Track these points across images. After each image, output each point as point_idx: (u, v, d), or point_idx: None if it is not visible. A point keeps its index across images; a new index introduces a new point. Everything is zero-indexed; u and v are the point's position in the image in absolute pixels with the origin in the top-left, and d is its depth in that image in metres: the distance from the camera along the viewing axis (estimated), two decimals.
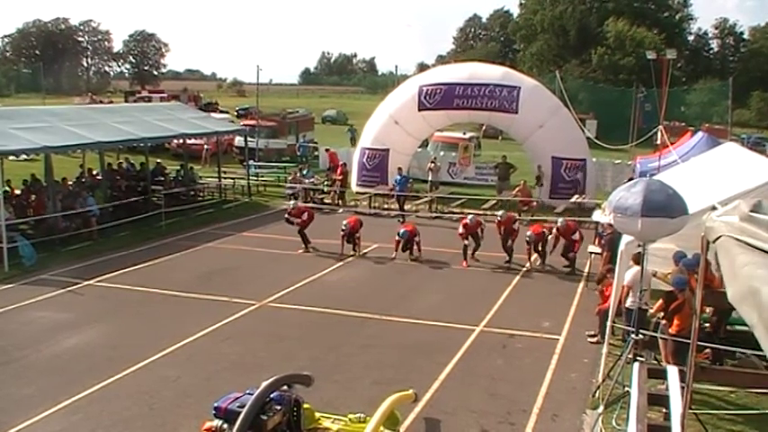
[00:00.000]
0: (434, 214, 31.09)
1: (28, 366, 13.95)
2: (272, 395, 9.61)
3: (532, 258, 21.80)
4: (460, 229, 22.07)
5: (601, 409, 11.23)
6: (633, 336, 11.51)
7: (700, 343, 9.87)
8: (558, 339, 15.52)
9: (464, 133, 41.74)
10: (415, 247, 22.39)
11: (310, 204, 32.16)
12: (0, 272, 20.43)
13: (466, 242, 22.09)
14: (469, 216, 22.73)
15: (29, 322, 16.48)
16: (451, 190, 35.29)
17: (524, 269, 21.33)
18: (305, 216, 24.10)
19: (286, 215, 24.50)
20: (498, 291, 18.81)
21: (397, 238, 22.39)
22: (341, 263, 21.92)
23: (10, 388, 12.91)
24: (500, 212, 22.93)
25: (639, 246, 12.15)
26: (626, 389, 10.94)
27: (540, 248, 21.78)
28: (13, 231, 21.97)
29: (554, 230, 21.71)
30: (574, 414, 11.97)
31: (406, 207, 30.76)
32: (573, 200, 29.27)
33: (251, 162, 37.79)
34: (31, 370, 13.77)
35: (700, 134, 33.06)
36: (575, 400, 12.47)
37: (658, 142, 31.13)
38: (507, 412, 12.07)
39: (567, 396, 12.70)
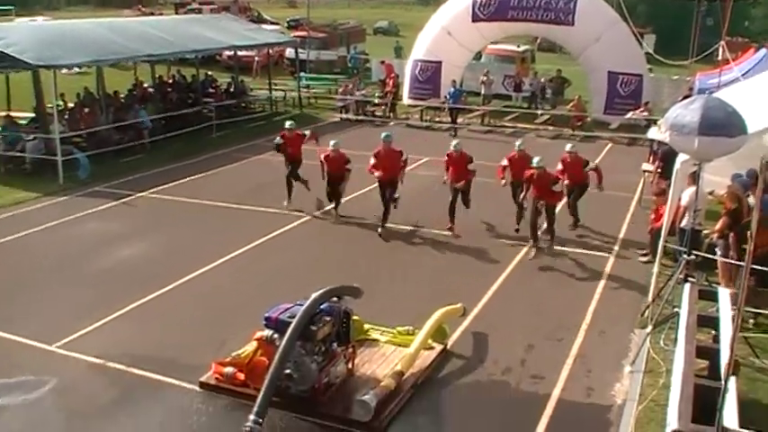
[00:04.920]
0: (487, 128, 30.77)
1: (83, 276, 14.28)
2: (321, 306, 9.74)
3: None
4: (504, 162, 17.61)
5: (649, 328, 11.17)
6: (685, 256, 11.36)
7: (754, 266, 9.68)
8: (608, 257, 15.40)
9: (518, 46, 40.95)
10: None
11: (361, 117, 32.12)
12: (55, 184, 20.78)
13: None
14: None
15: (83, 233, 16.81)
16: (505, 103, 34.80)
17: None
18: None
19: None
20: None
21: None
22: None
23: (66, 297, 13.26)
24: (518, 142, 17.59)
25: (695, 165, 11.90)
26: (675, 309, 10.83)
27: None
28: (67, 144, 22.24)
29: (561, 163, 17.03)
30: (622, 332, 11.94)
31: (459, 120, 30.45)
32: (628, 116, 28.72)
33: (302, 74, 37.58)
34: (86, 280, 14.09)
35: (763, 51, 31.88)
36: (623, 319, 12.42)
37: (719, 58, 30.17)
38: (554, 328, 12.08)
39: (615, 314, 12.65)
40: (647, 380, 10.33)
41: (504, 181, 16.94)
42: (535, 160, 15.26)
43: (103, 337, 11.68)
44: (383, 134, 17.12)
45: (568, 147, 17.08)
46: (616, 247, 15.99)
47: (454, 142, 17.44)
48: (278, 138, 19.02)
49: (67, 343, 11.42)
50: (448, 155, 17.16)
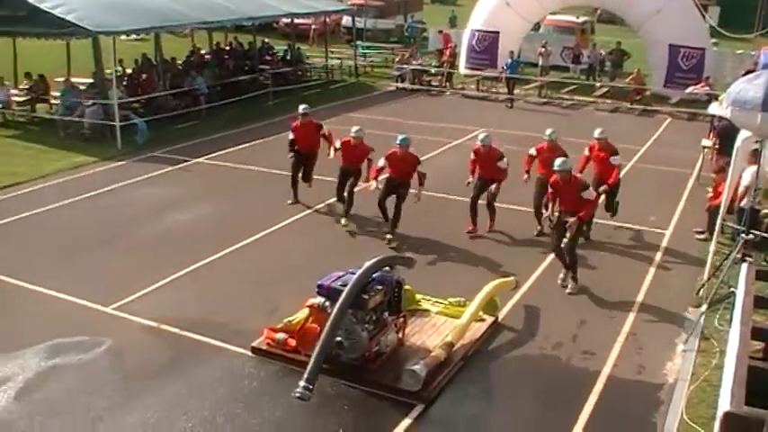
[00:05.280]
0: (544, 99, 30.45)
1: (139, 240, 14.51)
2: (374, 275, 9.76)
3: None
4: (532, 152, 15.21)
5: (704, 307, 10.99)
6: (743, 235, 11.15)
7: None
8: (664, 234, 15.18)
9: (577, 17, 40.34)
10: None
11: (417, 86, 31.96)
12: (113, 149, 21.07)
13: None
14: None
15: (140, 198, 17.06)
16: (563, 75, 34.37)
17: (633, 160, 20.74)
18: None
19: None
20: None
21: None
22: (446, 146, 21.75)
23: (122, 260, 13.48)
24: (549, 131, 14.91)
25: (757, 142, 11.64)
26: (731, 289, 10.67)
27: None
28: (125, 110, 22.49)
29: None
30: (675, 311, 11.78)
31: (515, 92, 30.16)
32: (688, 90, 28.18)
33: (358, 42, 37.48)
34: (142, 244, 14.32)
35: None
36: (677, 297, 12.25)
37: None
38: (607, 304, 11.98)
39: (669, 292, 12.48)
40: (699, 360, 10.20)
41: (526, 176, 14.89)
42: (558, 162, 12.23)
43: (157, 301, 11.87)
44: (400, 137, 14.43)
45: (597, 132, 14.68)
46: (673, 224, 15.74)
47: (482, 135, 15.01)
48: (290, 134, 16.38)
49: (122, 305, 11.63)
50: (475, 150, 14.90)
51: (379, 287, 9.75)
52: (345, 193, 15.11)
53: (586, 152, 14.93)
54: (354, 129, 15.07)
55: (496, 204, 15.00)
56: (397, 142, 14.22)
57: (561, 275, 12.52)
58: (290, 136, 16.23)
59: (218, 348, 10.36)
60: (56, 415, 8.92)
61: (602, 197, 14.41)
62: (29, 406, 9.11)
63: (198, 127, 23.94)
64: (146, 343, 10.68)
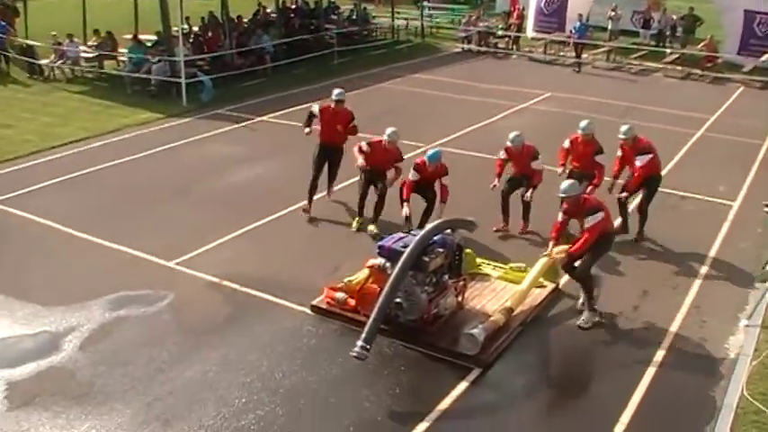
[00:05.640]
0: (612, 65, 29.87)
1: (202, 196, 14.65)
2: (435, 238, 9.72)
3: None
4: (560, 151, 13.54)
5: None
6: None
7: None
8: (731, 206, 14.82)
9: None
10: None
11: (483, 48, 31.62)
12: (178, 106, 21.28)
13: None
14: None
15: (204, 155, 17.21)
16: (632, 40, 33.64)
17: (702, 129, 20.27)
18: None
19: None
20: (673, 149, 18.00)
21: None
22: (510, 110, 21.52)
23: (185, 216, 13.65)
24: (584, 124, 13.02)
25: None
26: None
27: None
28: (190, 67, 22.65)
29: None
30: (740, 284, 11.52)
31: (583, 56, 29.64)
32: (763, 59, 27.38)
33: (425, 3, 37.15)
34: (205, 200, 14.46)
35: None
36: (742, 271, 11.96)
37: None
38: (671, 275, 11.77)
39: (734, 265, 12.19)
40: (763, 335, 9.96)
41: (561, 170, 13.12)
42: (564, 187, 10.37)
43: (219, 257, 12.00)
44: (431, 153, 12.63)
45: (623, 129, 12.75)
46: (741, 196, 15.36)
47: (513, 134, 12.96)
48: (314, 107, 14.16)
49: (185, 260, 11.78)
50: (506, 149, 13.07)
51: (440, 250, 9.71)
52: (377, 197, 13.07)
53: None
54: (389, 130, 12.99)
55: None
56: (428, 160, 12.37)
57: (580, 300, 10.55)
58: (314, 109, 13.93)
59: (278, 305, 10.45)
60: (118, 365, 9.09)
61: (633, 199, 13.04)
62: (92, 356, 9.30)
63: (263, 85, 24.03)
64: (207, 298, 10.82)
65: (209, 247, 12.28)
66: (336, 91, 13.91)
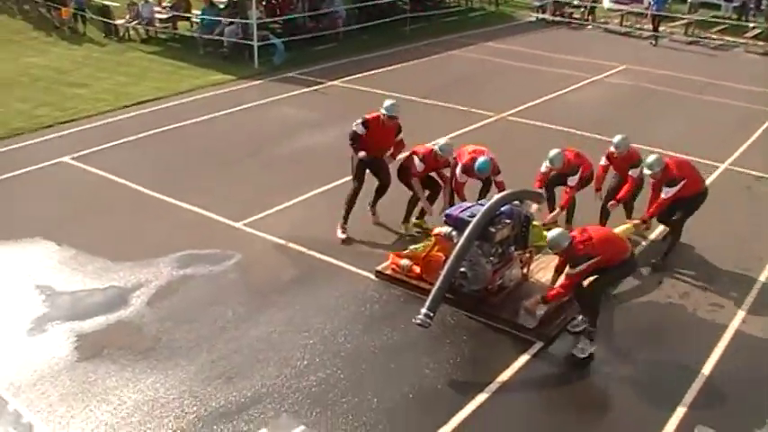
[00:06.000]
0: (690, 39, 29.11)
1: (271, 159, 14.76)
2: (502, 208, 9.63)
3: None
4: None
5: None
6: None
7: None
8: None
9: None
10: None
11: (558, 18, 31.12)
12: (250, 68, 21.40)
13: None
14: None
15: (275, 117, 17.32)
16: (712, 13, 32.73)
17: None
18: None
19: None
20: (750, 127, 17.51)
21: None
22: (584, 82, 21.15)
23: (254, 178, 13.77)
24: (618, 139, 11.27)
25: None
26: None
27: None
28: (263, 30, 22.73)
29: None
30: None
31: (660, 29, 28.94)
32: None
33: None
34: (274, 162, 14.57)
35: None
36: None
37: None
38: (742, 257, 11.45)
39: None
40: None
41: (597, 193, 11.70)
42: (551, 241, 8.83)
43: (287, 219, 12.09)
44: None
45: (617, 140, 11.27)
46: None
47: (618, 138, 11.26)
48: (359, 125, 11.50)
49: (253, 221, 11.90)
50: (608, 155, 11.56)
51: (507, 221, 9.61)
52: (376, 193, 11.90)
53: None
54: (388, 103, 11.51)
55: None
56: (478, 169, 11.16)
57: (577, 320, 9.33)
58: (359, 129, 11.49)
59: (343, 270, 10.48)
60: (184, 322, 9.24)
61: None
62: (159, 312, 9.48)
63: (334, 50, 24.00)
64: (273, 259, 10.92)
65: (276, 209, 12.39)
66: (388, 103, 11.49)
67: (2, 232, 11.53)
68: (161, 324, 9.21)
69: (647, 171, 10.83)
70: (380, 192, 11.87)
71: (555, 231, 8.90)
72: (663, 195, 10.69)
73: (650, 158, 10.78)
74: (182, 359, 8.53)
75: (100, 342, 8.84)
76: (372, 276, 10.31)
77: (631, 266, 9.32)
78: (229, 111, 17.61)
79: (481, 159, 11.05)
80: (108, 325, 9.19)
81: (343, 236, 11.45)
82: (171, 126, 16.39)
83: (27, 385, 8.04)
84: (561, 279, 9.14)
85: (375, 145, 11.47)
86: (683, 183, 10.63)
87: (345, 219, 11.56)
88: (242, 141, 15.65)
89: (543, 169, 11.44)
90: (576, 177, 11.30)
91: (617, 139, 11.27)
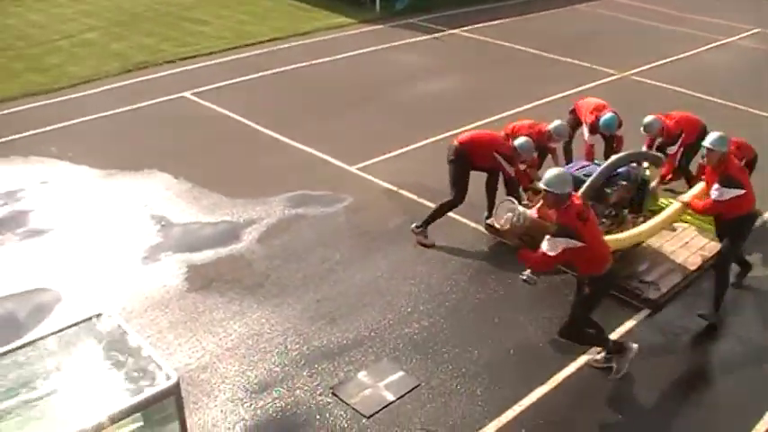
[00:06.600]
0: None
1: (388, 104, 14.78)
2: (619, 170, 9.40)
3: None
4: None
5: None
6: None
7: None
8: None
9: None
10: None
11: None
12: (372, 13, 21.37)
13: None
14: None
15: (395, 63, 17.30)
16: None
17: None
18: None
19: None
20: None
21: None
22: (713, 44, 20.32)
23: (370, 123, 13.85)
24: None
25: None
26: None
27: None
28: None
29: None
30: None
31: None
32: None
33: None
34: (390, 108, 14.58)
35: None
36: None
37: None
38: None
39: None
40: None
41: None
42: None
43: (400, 166, 12.12)
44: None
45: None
46: None
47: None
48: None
49: (366, 166, 11.98)
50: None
51: (624, 183, 9.40)
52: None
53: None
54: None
55: None
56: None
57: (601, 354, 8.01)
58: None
59: (452, 220, 10.41)
60: (293, 261, 9.42)
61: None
62: (269, 249, 9.68)
63: None
64: (384, 205, 10.98)
65: (390, 155, 12.44)
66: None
67: (122, 162, 11.94)
68: (270, 261, 9.40)
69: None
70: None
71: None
72: (713, 195, 8.24)
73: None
74: (288, 297, 8.71)
75: (209, 274, 9.11)
76: (482, 229, 10.25)
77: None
78: (349, 54, 17.67)
79: (607, 116, 10.76)
80: (218, 258, 9.45)
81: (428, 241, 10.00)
82: (290, 67, 16.55)
83: (139, 311, 8.38)
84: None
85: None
86: (744, 192, 8.21)
87: (427, 223, 10.05)
88: (359, 85, 15.70)
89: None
90: (675, 147, 10.72)
91: (648, 119, 10.71)
